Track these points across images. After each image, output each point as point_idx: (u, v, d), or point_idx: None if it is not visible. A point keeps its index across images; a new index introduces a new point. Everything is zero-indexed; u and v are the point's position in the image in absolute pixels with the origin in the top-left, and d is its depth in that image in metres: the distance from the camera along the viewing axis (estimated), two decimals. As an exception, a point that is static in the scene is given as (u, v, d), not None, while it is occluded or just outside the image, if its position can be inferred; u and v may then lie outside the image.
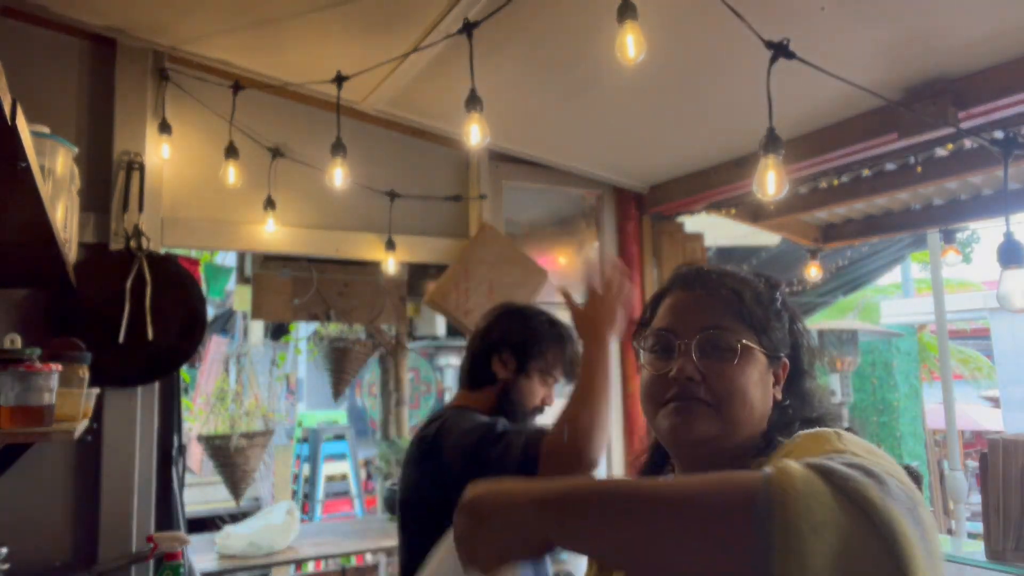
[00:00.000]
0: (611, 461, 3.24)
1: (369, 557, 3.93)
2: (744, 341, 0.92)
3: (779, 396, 0.96)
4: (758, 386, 0.92)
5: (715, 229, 3.89)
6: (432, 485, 1.64)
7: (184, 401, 3.22)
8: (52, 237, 1.45)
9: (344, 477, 6.01)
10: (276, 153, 2.73)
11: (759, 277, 1.03)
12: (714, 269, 1.01)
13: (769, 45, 1.52)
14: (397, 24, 2.18)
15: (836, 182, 3.10)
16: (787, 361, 0.98)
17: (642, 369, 0.99)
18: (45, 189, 1.21)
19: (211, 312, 5.44)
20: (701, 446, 0.90)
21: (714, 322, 0.93)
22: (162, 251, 2.51)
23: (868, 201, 3.31)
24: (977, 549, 2.32)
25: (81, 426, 1.66)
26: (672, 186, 3.27)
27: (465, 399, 1.83)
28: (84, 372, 1.70)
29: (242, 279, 4.68)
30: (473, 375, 1.84)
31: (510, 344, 1.80)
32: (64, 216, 1.63)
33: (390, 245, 2.88)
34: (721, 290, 0.96)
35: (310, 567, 4.20)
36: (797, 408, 0.96)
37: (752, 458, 0.91)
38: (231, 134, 2.48)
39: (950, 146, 2.64)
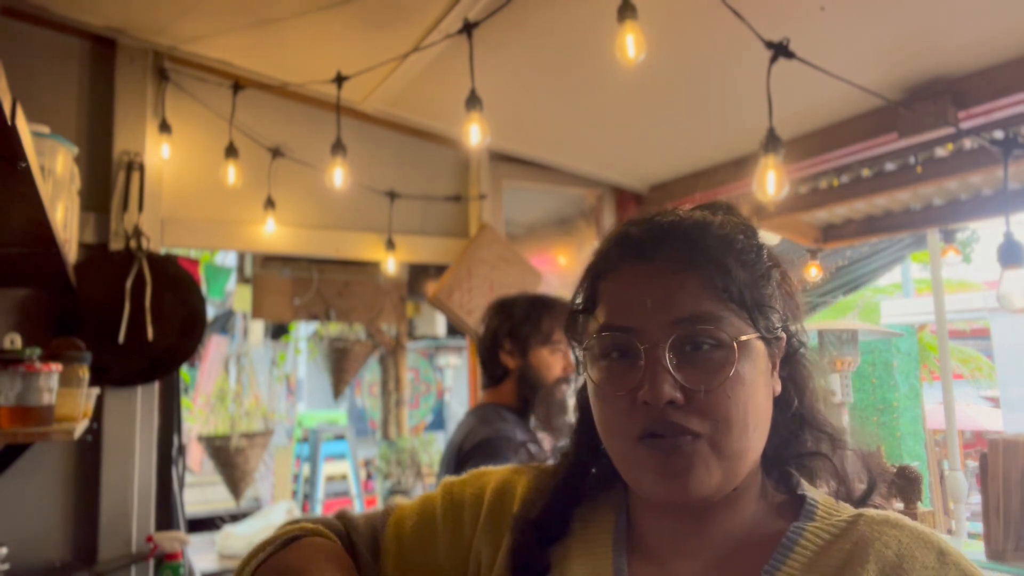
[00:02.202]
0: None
1: (369, 557, 3.92)
2: (739, 333, 0.65)
3: (778, 388, 0.72)
4: (761, 391, 0.67)
5: (715, 229, 3.88)
6: None
7: (184, 401, 3.22)
8: (52, 237, 1.44)
9: (344, 477, 6.00)
10: (276, 153, 2.73)
11: (726, 215, 0.74)
12: (673, 221, 0.70)
13: (769, 45, 1.52)
14: (397, 24, 2.18)
15: (836, 182, 3.10)
16: (783, 334, 0.71)
17: (586, 381, 0.71)
18: (45, 189, 1.21)
19: (211, 312, 5.44)
20: (696, 497, 0.65)
21: (693, 310, 0.65)
22: (162, 251, 2.51)
23: (868, 201, 3.31)
24: (977, 549, 2.32)
25: (81, 426, 1.66)
26: (672, 186, 3.27)
27: (489, 396, 1.96)
28: (84, 372, 1.70)
29: (242, 279, 4.68)
30: (490, 374, 1.97)
31: (505, 334, 1.90)
32: (64, 216, 1.63)
33: (390, 245, 2.88)
34: (694, 256, 0.67)
35: (310, 567, 4.19)
36: (792, 402, 0.73)
37: (762, 507, 0.71)
38: (231, 134, 2.47)
39: (950, 146, 2.64)
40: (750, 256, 0.69)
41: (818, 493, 0.73)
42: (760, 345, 0.68)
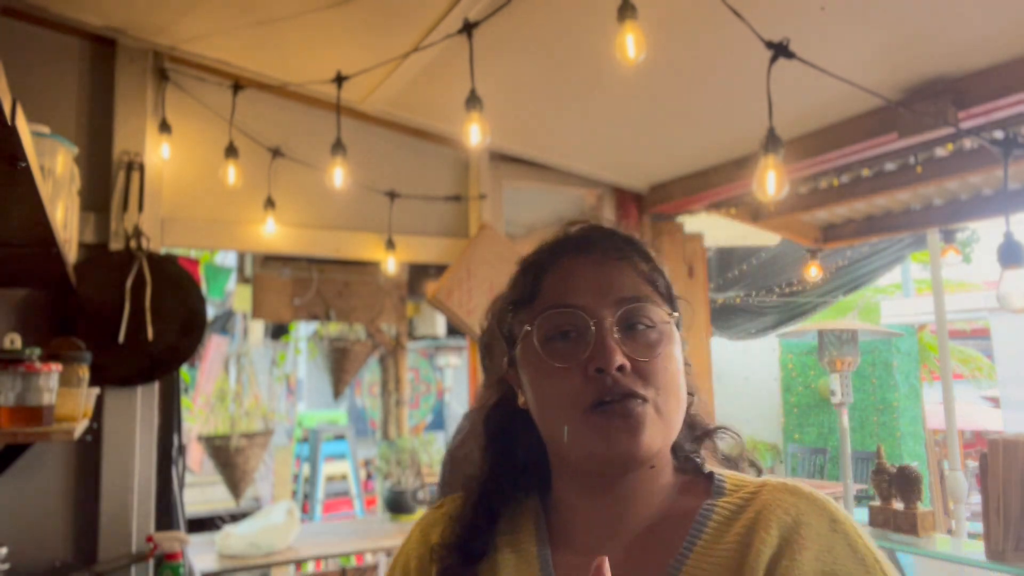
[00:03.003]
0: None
1: (369, 557, 3.93)
2: (665, 315, 0.74)
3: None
4: (680, 369, 0.75)
5: (715, 229, 3.88)
6: None
7: (184, 401, 3.22)
8: (52, 237, 1.44)
9: (344, 477, 6.00)
10: (276, 153, 2.73)
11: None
12: (600, 225, 0.81)
13: (769, 45, 1.52)
14: (397, 24, 2.18)
15: (836, 182, 3.10)
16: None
17: (531, 365, 0.75)
18: (45, 189, 1.21)
19: (211, 312, 5.44)
20: (640, 461, 0.70)
21: (633, 292, 0.73)
22: (162, 251, 2.51)
23: (868, 201, 3.32)
24: (977, 549, 2.32)
25: (81, 426, 1.66)
26: (672, 186, 3.28)
27: None
28: (84, 372, 1.70)
29: (242, 279, 4.68)
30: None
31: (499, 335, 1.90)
32: (64, 216, 1.63)
33: (390, 245, 2.88)
34: (624, 250, 0.77)
35: (310, 567, 4.20)
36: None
37: (677, 480, 0.77)
38: (231, 134, 2.48)
39: (950, 146, 2.64)
40: (652, 255, 0.80)
41: (724, 471, 0.79)
42: (674, 328, 0.76)
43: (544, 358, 0.72)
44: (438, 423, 8.48)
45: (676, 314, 0.76)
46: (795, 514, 0.68)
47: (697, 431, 0.82)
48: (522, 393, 0.79)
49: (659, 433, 0.70)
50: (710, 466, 0.79)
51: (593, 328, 0.71)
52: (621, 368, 0.69)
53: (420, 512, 3.60)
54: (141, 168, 2.47)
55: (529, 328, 0.75)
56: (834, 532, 0.67)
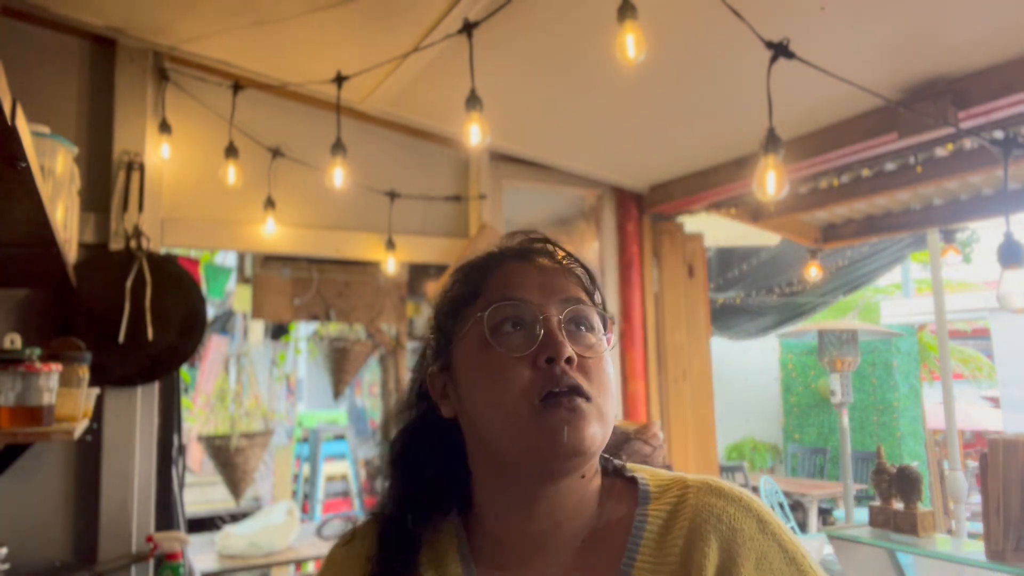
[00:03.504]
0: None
1: (369, 557, 3.92)
2: (601, 325, 0.76)
3: None
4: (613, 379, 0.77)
5: (715, 229, 3.89)
6: None
7: (184, 401, 3.22)
8: (52, 237, 1.44)
9: (344, 477, 6.00)
10: (276, 153, 2.73)
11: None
12: (542, 237, 0.82)
13: (769, 45, 1.52)
14: (397, 24, 2.18)
15: (836, 182, 3.10)
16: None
17: (474, 361, 0.73)
18: (45, 189, 1.21)
19: (211, 312, 5.43)
20: (583, 458, 0.69)
21: (576, 295, 0.75)
22: (162, 251, 2.51)
23: (868, 201, 3.32)
24: (977, 549, 2.32)
25: (81, 426, 1.66)
26: (672, 186, 3.28)
27: None
28: (84, 372, 1.70)
29: (242, 279, 4.68)
30: None
31: None
32: (64, 216, 1.63)
33: (390, 245, 2.88)
34: (567, 259, 0.79)
35: (310, 567, 4.20)
36: None
37: (602, 493, 0.76)
38: (231, 134, 2.48)
39: (950, 146, 2.64)
40: (591, 270, 0.81)
41: (640, 469, 0.78)
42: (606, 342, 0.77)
43: (494, 347, 0.71)
44: (438, 423, 8.46)
45: (610, 334, 0.77)
46: (728, 520, 0.69)
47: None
48: (447, 402, 0.77)
49: (599, 432, 0.70)
50: (629, 464, 0.79)
51: (542, 320, 0.71)
52: (569, 361, 0.70)
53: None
54: (141, 168, 2.47)
55: (477, 317, 0.73)
56: (764, 534, 0.68)
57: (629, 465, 0.79)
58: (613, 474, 0.79)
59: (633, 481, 0.76)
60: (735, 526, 0.68)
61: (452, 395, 0.76)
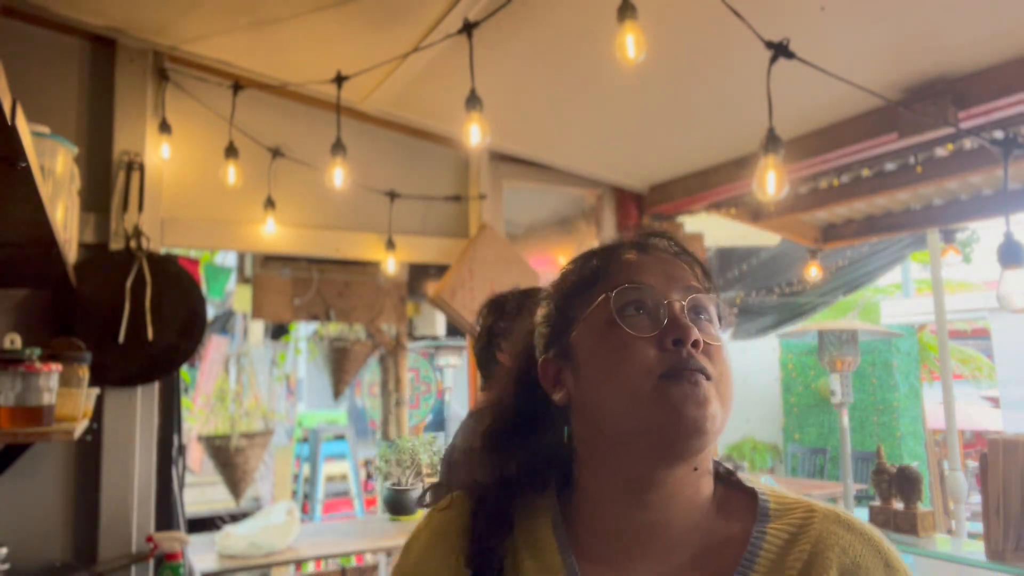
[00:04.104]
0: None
1: (369, 557, 3.93)
2: (721, 310, 0.76)
3: None
4: None
5: (715, 229, 3.89)
6: None
7: (184, 401, 3.22)
8: (52, 237, 1.44)
9: (344, 477, 6.00)
10: (276, 153, 2.73)
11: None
12: (663, 230, 0.83)
13: (769, 45, 1.52)
14: (397, 24, 2.18)
15: (836, 182, 3.10)
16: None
17: (596, 342, 0.73)
18: (45, 189, 1.21)
19: (211, 312, 5.44)
20: (704, 438, 0.68)
21: (696, 283, 0.75)
22: (162, 251, 2.51)
23: (868, 201, 3.31)
24: (977, 549, 2.32)
25: (81, 426, 1.66)
26: (672, 186, 3.27)
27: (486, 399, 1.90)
28: (84, 372, 1.70)
29: (242, 279, 4.68)
30: (488, 375, 1.90)
31: (500, 333, 1.85)
32: (64, 216, 1.63)
33: (390, 245, 2.88)
34: (684, 253, 0.80)
35: (310, 567, 4.20)
36: None
37: (716, 493, 0.74)
38: (231, 134, 2.48)
39: (950, 146, 2.64)
40: (706, 264, 0.81)
41: (761, 485, 0.76)
42: None
43: (619, 327, 0.71)
44: (438, 423, 8.48)
45: (728, 328, 0.77)
46: (853, 556, 0.66)
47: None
48: (559, 388, 0.76)
49: (720, 415, 0.69)
50: (750, 478, 0.77)
51: (666, 304, 0.71)
52: (695, 344, 0.69)
53: (420, 514, 3.59)
54: (141, 168, 2.47)
55: (603, 299, 0.73)
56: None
57: (742, 475, 0.78)
58: (727, 483, 0.77)
59: (751, 495, 0.74)
60: (860, 563, 0.66)
61: (568, 379, 0.75)
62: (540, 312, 0.83)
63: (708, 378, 0.69)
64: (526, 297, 1.88)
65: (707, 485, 0.74)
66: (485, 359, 1.89)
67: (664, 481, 0.70)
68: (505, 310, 1.88)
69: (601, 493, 0.74)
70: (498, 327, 1.86)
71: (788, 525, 0.70)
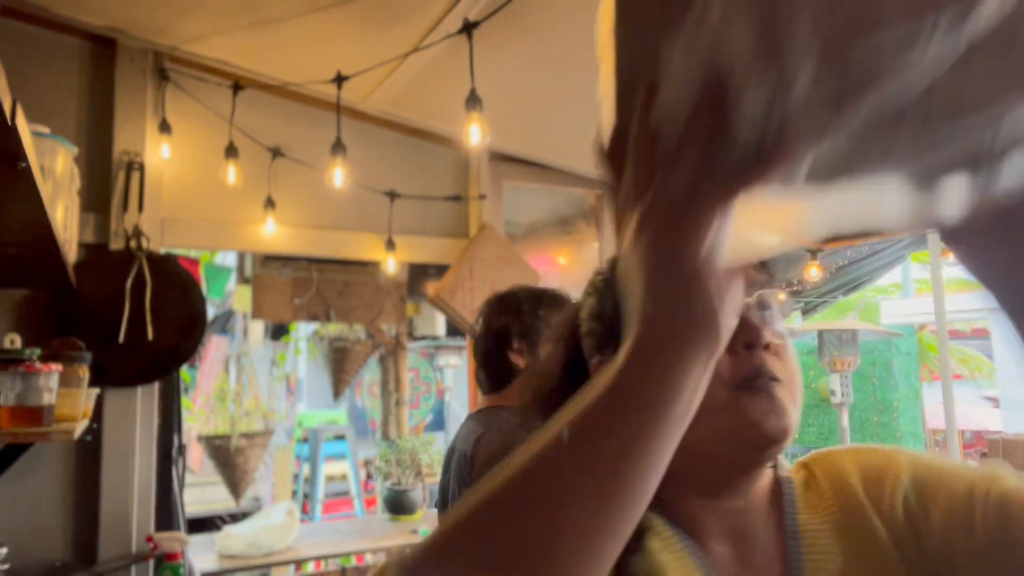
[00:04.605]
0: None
1: (369, 557, 3.93)
2: (784, 303, 0.73)
3: None
4: None
5: (715, 229, 3.88)
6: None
7: (184, 401, 3.22)
8: (52, 237, 1.45)
9: (344, 477, 6.00)
10: (276, 153, 2.73)
11: None
12: None
13: (769, 45, 1.52)
14: (397, 24, 2.18)
15: (836, 182, 3.10)
16: None
17: None
18: (45, 189, 1.21)
19: (211, 312, 5.44)
20: (782, 445, 0.68)
21: (759, 276, 0.72)
22: (162, 251, 2.51)
23: (868, 201, 3.31)
24: (977, 549, 2.32)
25: (81, 426, 1.66)
26: (672, 186, 3.27)
27: (493, 401, 1.80)
28: (84, 372, 1.70)
29: (242, 279, 4.69)
30: (496, 376, 1.81)
31: (514, 332, 1.77)
32: (64, 216, 1.63)
33: (390, 245, 2.88)
34: None
35: (310, 567, 4.20)
36: None
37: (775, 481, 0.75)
38: (231, 134, 2.48)
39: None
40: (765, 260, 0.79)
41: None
42: None
43: None
44: (438, 423, 8.48)
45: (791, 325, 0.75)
46: (856, 454, 0.73)
47: None
48: None
49: (795, 420, 0.68)
50: None
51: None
52: (766, 347, 0.68)
53: (420, 514, 3.59)
54: (141, 168, 2.47)
55: None
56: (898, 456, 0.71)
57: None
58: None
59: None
60: (875, 464, 0.71)
61: None
62: (588, 307, 0.79)
63: (779, 382, 0.68)
64: (540, 297, 1.83)
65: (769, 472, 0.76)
66: (493, 360, 1.80)
67: (738, 486, 0.72)
68: (522, 310, 1.81)
69: (684, 505, 0.72)
70: (514, 328, 1.79)
71: (794, 474, 0.75)
